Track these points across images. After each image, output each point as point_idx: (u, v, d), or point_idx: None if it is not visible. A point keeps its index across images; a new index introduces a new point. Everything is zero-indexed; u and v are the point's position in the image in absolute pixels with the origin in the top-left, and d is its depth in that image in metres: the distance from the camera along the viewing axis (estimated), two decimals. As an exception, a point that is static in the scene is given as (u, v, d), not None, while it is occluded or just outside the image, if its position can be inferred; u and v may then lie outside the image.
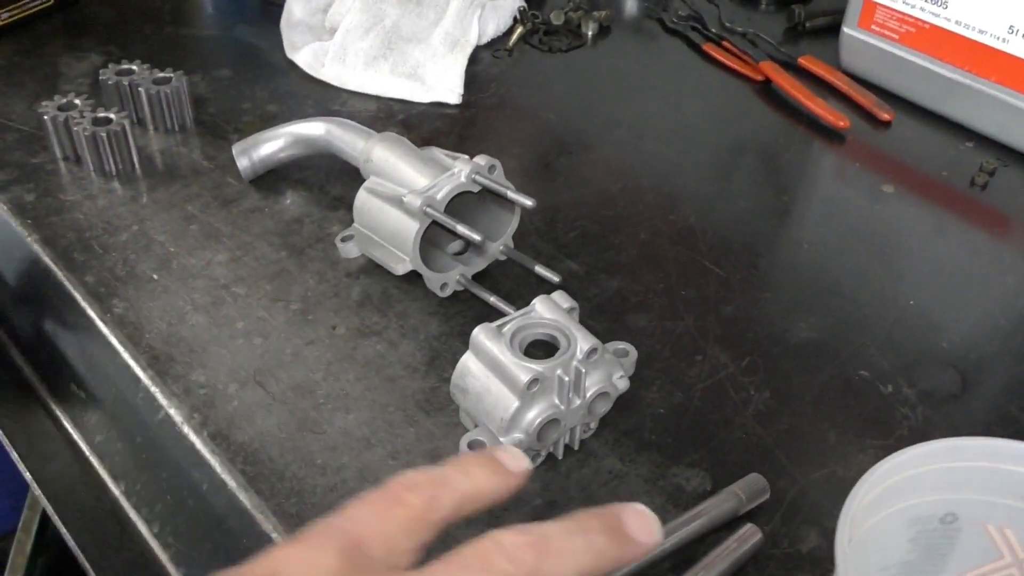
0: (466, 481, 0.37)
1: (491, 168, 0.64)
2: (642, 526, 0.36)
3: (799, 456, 0.57)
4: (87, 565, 0.58)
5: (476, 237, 0.60)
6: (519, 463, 0.38)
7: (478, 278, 0.67)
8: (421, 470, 0.36)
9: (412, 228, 0.63)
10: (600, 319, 0.66)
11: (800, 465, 0.57)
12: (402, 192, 0.63)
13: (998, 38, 0.81)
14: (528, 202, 0.61)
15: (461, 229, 0.61)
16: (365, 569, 0.34)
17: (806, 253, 0.75)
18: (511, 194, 0.62)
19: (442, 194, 0.62)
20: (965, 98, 0.85)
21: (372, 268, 0.68)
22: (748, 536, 0.51)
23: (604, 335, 0.62)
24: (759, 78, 0.94)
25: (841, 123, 0.86)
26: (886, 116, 0.88)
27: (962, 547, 0.40)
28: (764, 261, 0.73)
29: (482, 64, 0.94)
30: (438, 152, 0.67)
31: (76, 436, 0.62)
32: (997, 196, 0.81)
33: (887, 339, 0.66)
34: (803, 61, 0.94)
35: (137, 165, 0.76)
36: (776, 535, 0.52)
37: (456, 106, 0.88)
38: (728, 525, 0.53)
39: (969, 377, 0.64)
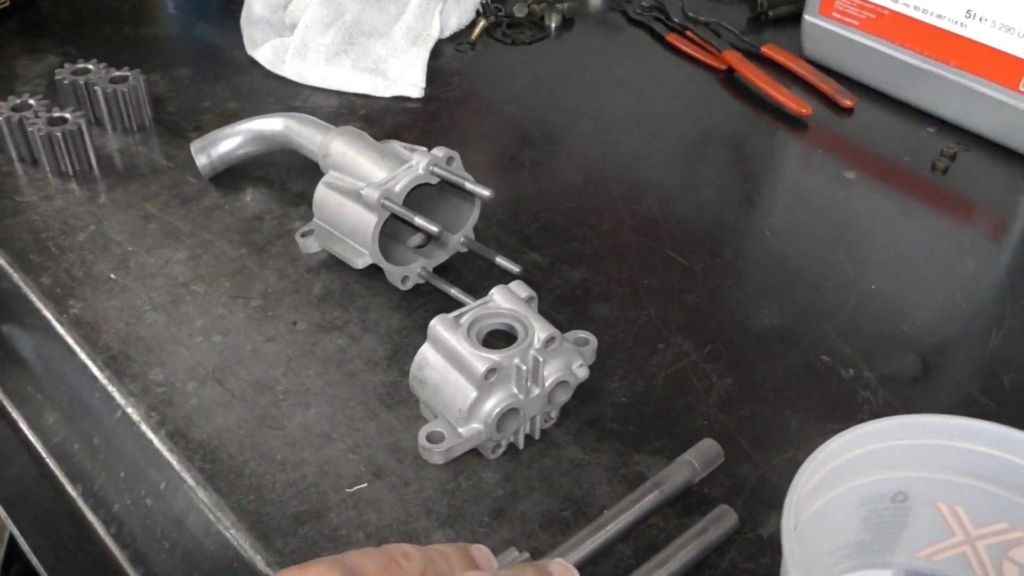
0: (448, 569, 0.40)
1: (449, 160, 0.63)
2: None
3: (761, 442, 0.57)
4: (42, 569, 0.57)
5: (433, 228, 0.60)
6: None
7: (440, 271, 0.67)
8: (414, 547, 0.40)
9: (371, 221, 0.62)
10: (563, 310, 0.66)
11: (762, 450, 0.57)
12: (360, 186, 0.63)
13: (956, 23, 0.81)
14: (486, 192, 0.61)
15: (419, 221, 0.60)
16: None
17: (770, 241, 0.75)
18: (469, 185, 0.62)
19: (400, 186, 0.62)
20: (926, 83, 0.85)
21: (333, 263, 0.68)
22: (721, 516, 0.50)
23: (567, 325, 0.62)
24: (723, 67, 0.94)
25: (804, 111, 0.86)
26: (848, 103, 0.88)
27: (913, 525, 0.40)
28: (728, 249, 0.73)
29: (445, 58, 0.94)
30: (397, 145, 0.67)
31: (32, 438, 0.61)
32: (958, 180, 0.81)
33: (849, 324, 0.66)
34: (766, 50, 0.94)
35: (95, 165, 0.76)
36: (739, 520, 0.52)
37: (419, 100, 0.87)
38: (683, 496, 0.52)
39: (930, 360, 0.64)
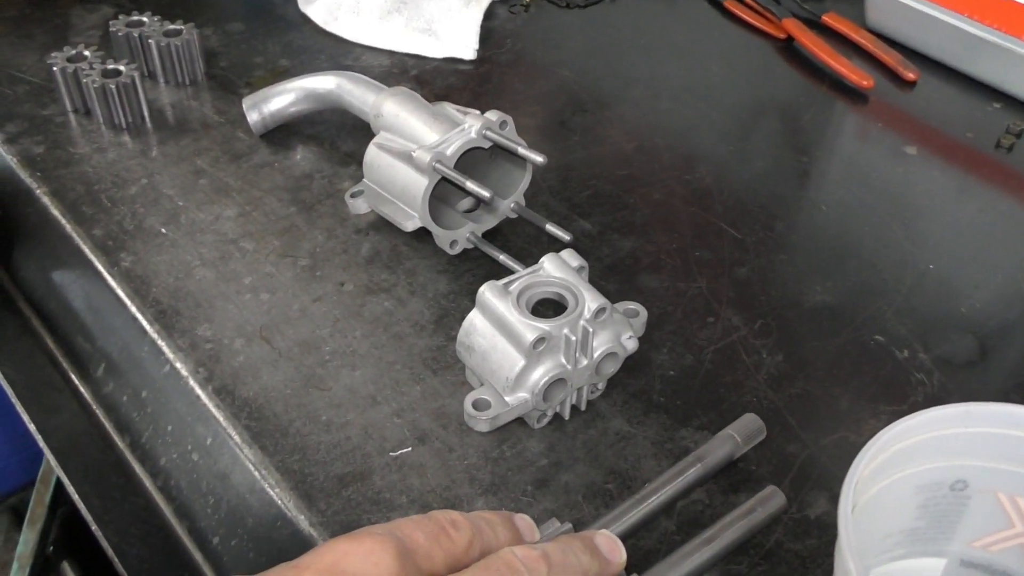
0: (494, 538, 0.41)
1: (502, 124, 0.63)
2: (611, 548, 0.43)
3: (810, 421, 0.56)
4: (90, 516, 0.58)
5: (485, 193, 0.59)
6: (615, 552, 0.43)
7: (489, 236, 0.66)
8: (462, 515, 0.41)
9: (421, 184, 0.62)
10: (612, 279, 0.65)
11: (811, 430, 0.56)
12: (412, 148, 0.62)
13: (1029, -5, 0.78)
14: (539, 158, 0.60)
15: (470, 185, 0.60)
16: (412, 573, 0.37)
17: (824, 216, 0.73)
18: (522, 150, 0.61)
19: (452, 150, 0.61)
20: (994, 57, 0.83)
21: (381, 225, 0.67)
22: (769, 497, 0.49)
23: (615, 295, 0.61)
24: (781, 36, 0.91)
25: (864, 82, 0.84)
26: (911, 75, 0.86)
27: (971, 515, 0.39)
28: (781, 223, 0.72)
29: (498, 19, 0.92)
30: (449, 107, 0.66)
31: (82, 388, 0.62)
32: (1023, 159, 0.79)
33: (904, 304, 0.65)
34: (827, 19, 0.92)
35: (147, 118, 0.76)
36: (786, 500, 0.52)
37: (471, 62, 0.86)
38: (728, 472, 0.52)
39: (988, 344, 0.62)
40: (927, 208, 0.74)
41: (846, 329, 0.63)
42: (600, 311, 0.53)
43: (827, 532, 0.50)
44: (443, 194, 0.66)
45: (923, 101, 0.85)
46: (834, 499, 0.52)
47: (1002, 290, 0.67)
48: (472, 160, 0.64)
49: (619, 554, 0.43)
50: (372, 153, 0.65)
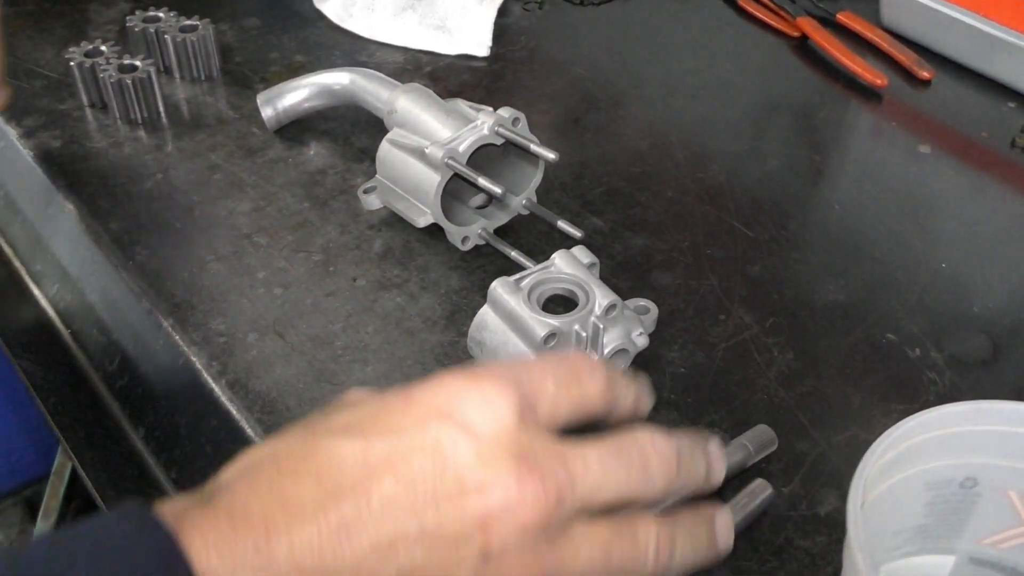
0: (623, 398, 0.39)
1: (515, 121, 0.63)
2: (719, 458, 0.41)
3: (821, 419, 0.56)
4: (104, 508, 0.58)
5: (497, 190, 0.59)
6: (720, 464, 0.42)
7: (500, 232, 0.67)
8: (600, 364, 0.38)
9: (434, 180, 0.62)
10: (624, 277, 0.65)
11: (822, 428, 0.56)
12: (425, 144, 0.63)
13: (1046, -6, 0.78)
14: (551, 155, 0.60)
15: (482, 182, 0.60)
16: (531, 426, 0.34)
17: (838, 214, 0.73)
18: (534, 147, 0.61)
19: (464, 146, 0.62)
20: (1009, 56, 0.82)
21: (394, 220, 0.68)
22: (759, 490, 0.50)
23: (627, 293, 0.61)
24: (795, 34, 0.91)
25: (879, 81, 0.84)
26: (926, 74, 0.86)
27: (981, 512, 0.39)
28: (794, 222, 0.72)
29: (512, 16, 0.92)
30: (462, 104, 0.66)
31: (96, 380, 0.62)
32: (1039, 159, 0.78)
33: (917, 303, 0.65)
34: (841, 17, 0.92)
35: (163, 113, 0.76)
36: (795, 497, 0.52)
37: (484, 59, 0.87)
38: (736, 478, 0.52)
39: (1000, 343, 0.62)
40: (941, 207, 0.74)
41: (858, 327, 0.63)
42: (611, 307, 0.53)
43: (837, 529, 0.50)
44: (455, 190, 0.66)
45: (938, 100, 0.85)
46: (844, 497, 0.52)
47: (1015, 289, 0.67)
48: (485, 157, 0.64)
49: (723, 467, 0.41)
50: (385, 149, 0.66)
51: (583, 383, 0.37)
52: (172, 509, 0.32)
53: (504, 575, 0.33)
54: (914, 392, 0.58)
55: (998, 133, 0.80)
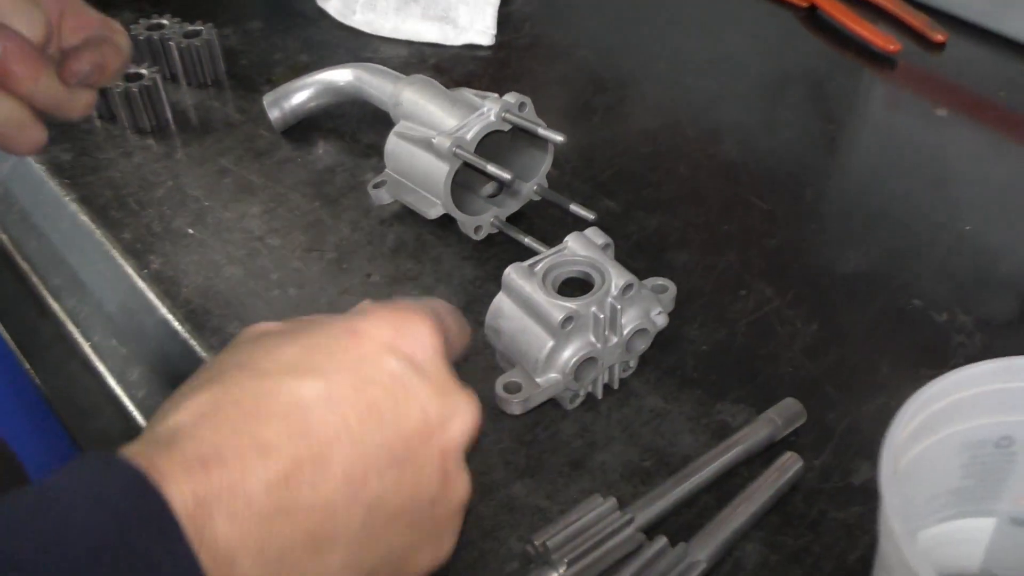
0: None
1: (521, 106, 0.62)
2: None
3: (850, 388, 0.55)
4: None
5: (506, 176, 0.59)
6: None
7: (513, 220, 0.66)
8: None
9: (443, 170, 0.61)
10: (639, 257, 0.64)
11: (851, 397, 0.55)
12: (432, 135, 0.62)
13: (1058, -54, 0.76)
14: (559, 137, 0.60)
15: (491, 168, 0.59)
16: (445, 359, 0.37)
17: (855, 183, 0.72)
18: (541, 130, 0.61)
19: (471, 134, 0.61)
20: (1023, 13, 0.80)
21: (406, 214, 0.67)
22: (789, 464, 0.49)
23: (644, 273, 0.60)
24: (804, 4, 0.90)
25: (891, 47, 0.82)
26: (939, 37, 0.84)
27: (1019, 472, 0.38)
28: (810, 192, 0.70)
29: (515, 3, 0.92)
30: (468, 92, 0.65)
31: (119, 391, 0.62)
32: (1059, 115, 0.77)
33: (941, 267, 0.63)
34: (850, -16, 0.90)
35: (171, 120, 0.76)
36: (827, 468, 0.51)
37: (489, 48, 0.86)
38: (766, 452, 0.51)
39: (1029, 303, 0.61)
40: (960, 170, 0.72)
41: (882, 295, 0.61)
42: (627, 287, 0.52)
43: (872, 499, 0.49)
44: (466, 180, 0.66)
45: (952, 63, 0.83)
46: (876, 466, 0.51)
47: (1042, 248, 0.65)
48: (493, 145, 0.63)
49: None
50: (393, 142, 0.65)
51: (461, 324, 0.41)
52: (133, 453, 0.31)
53: (452, 488, 0.36)
54: (943, 356, 0.57)
55: (1016, 92, 0.79)
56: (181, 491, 0.30)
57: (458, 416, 0.36)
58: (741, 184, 0.71)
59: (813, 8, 0.89)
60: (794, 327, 0.59)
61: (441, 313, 0.40)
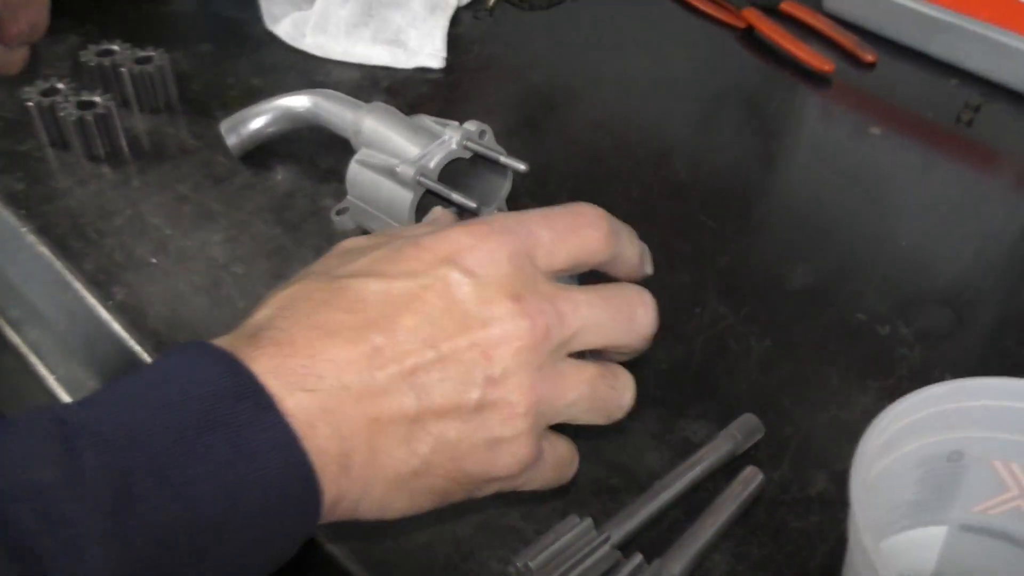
0: (627, 249, 0.46)
1: (481, 133, 0.64)
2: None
3: (803, 401, 0.58)
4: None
5: (472, 205, 0.60)
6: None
7: (475, 243, 0.68)
8: (604, 215, 0.44)
9: (407, 198, 0.63)
10: (599, 278, 0.66)
11: (804, 410, 0.58)
12: (394, 163, 0.63)
13: (979, -27, 0.81)
14: (521, 166, 0.62)
15: (456, 197, 0.61)
16: (525, 272, 0.40)
17: (798, 200, 0.76)
18: (503, 159, 0.63)
19: (434, 162, 0.62)
20: (947, 36, 0.85)
21: (369, 239, 0.68)
22: (751, 478, 0.52)
23: (604, 293, 0.63)
24: (742, 25, 0.93)
25: (826, 67, 0.86)
26: (869, 57, 0.88)
27: (969, 483, 0.41)
28: (756, 210, 0.74)
29: (463, 25, 0.93)
30: (427, 120, 0.67)
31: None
32: (984, 132, 0.81)
33: (882, 281, 0.67)
34: (785, 6, 0.94)
35: (125, 147, 0.76)
36: (785, 481, 0.54)
37: (440, 70, 0.87)
38: (728, 466, 0.54)
39: (964, 314, 0.65)
40: (896, 186, 0.76)
41: (829, 309, 0.65)
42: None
43: (829, 508, 0.52)
44: (427, 205, 0.67)
45: (883, 82, 0.88)
46: (832, 476, 0.54)
47: (974, 261, 0.69)
48: (452, 170, 0.65)
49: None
50: (355, 170, 0.66)
51: (582, 232, 0.43)
52: (223, 343, 0.37)
53: (505, 396, 0.39)
54: (888, 368, 0.61)
55: (943, 110, 0.83)
56: (264, 369, 0.36)
57: (498, 322, 0.39)
58: (691, 203, 0.74)
59: (751, 29, 0.93)
60: (748, 343, 0.62)
61: (531, 227, 0.41)
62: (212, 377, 0.35)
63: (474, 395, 0.39)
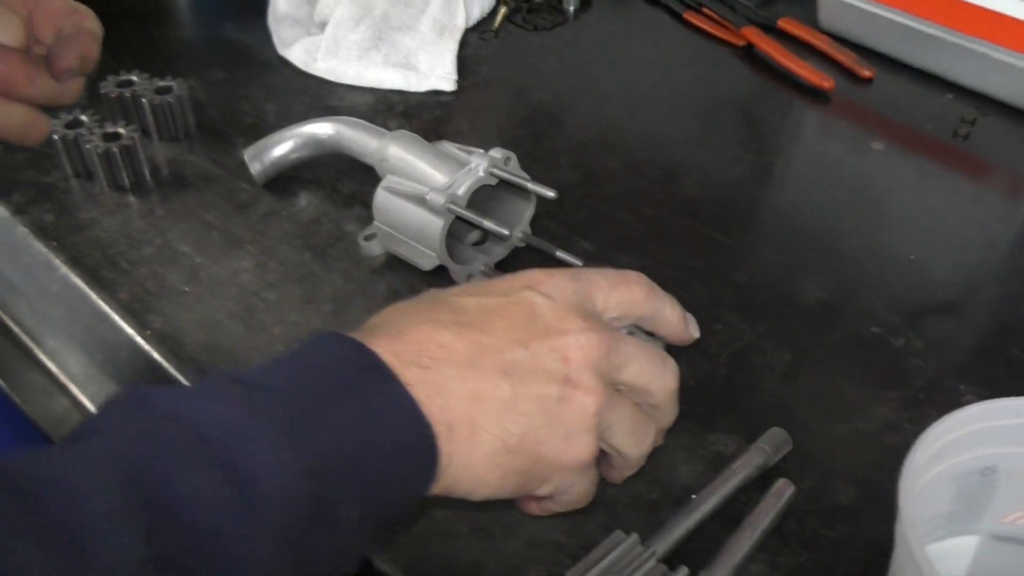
0: (661, 310, 0.52)
1: (507, 160, 0.66)
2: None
3: (824, 413, 0.61)
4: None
5: (504, 232, 0.63)
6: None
7: (500, 266, 0.70)
8: (642, 276, 0.52)
9: (437, 225, 0.65)
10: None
11: (826, 422, 0.60)
12: (422, 190, 0.65)
13: (972, -8, 0.84)
14: (550, 193, 0.64)
15: (488, 224, 0.63)
16: (591, 309, 0.48)
17: (807, 216, 0.78)
18: (531, 186, 0.65)
19: (463, 190, 0.64)
20: (943, 52, 0.88)
21: (395, 263, 0.70)
22: (783, 490, 0.55)
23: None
24: (741, 43, 0.96)
25: (826, 83, 0.89)
26: (867, 73, 0.91)
27: (1000, 495, 0.43)
28: (766, 226, 0.76)
29: (471, 47, 0.95)
30: (451, 147, 0.69)
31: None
32: (980, 145, 0.84)
33: (893, 294, 0.70)
34: (782, 23, 0.97)
35: (148, 177, 0.77)
36: (813, 491, 0.56)
37: (452, 93, 0.89)
38: (759, 479, 0.56)
39: (973, 324, 0.68)
40: (899, 200, 0.79)
41: (843, 323, 0.67)
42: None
43: (854, 518, 0.55)
44: (455, 231, 0.69)
45: (881, 97, 0.91)
46: (857, 484, 0.57)
47: (976, 271, 0.72)
48: (477, 194, 0.67)
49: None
50: (382, 197, 0.68)
51: (630, 286, 0.50)
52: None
53: (580, 396, 0.45)
54: (905, 379, 0.63)
55: (941, 124, 0.86)
56: (384, 351, 0.43)
57: (572, 332, 0.46)
58: (703, 221, 0.76)
59: (751, 47, 0.95)
60: (769, 358, 0.65)
61: (591, 276, 0.50)
62: (343, 354, 0.43)
63: (555, 390, 0.45)
